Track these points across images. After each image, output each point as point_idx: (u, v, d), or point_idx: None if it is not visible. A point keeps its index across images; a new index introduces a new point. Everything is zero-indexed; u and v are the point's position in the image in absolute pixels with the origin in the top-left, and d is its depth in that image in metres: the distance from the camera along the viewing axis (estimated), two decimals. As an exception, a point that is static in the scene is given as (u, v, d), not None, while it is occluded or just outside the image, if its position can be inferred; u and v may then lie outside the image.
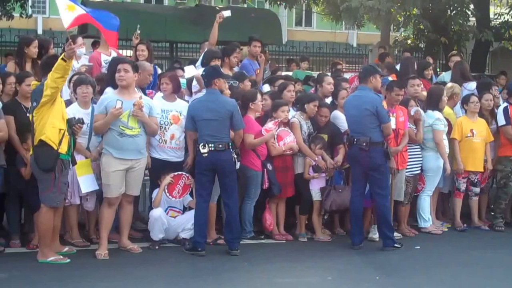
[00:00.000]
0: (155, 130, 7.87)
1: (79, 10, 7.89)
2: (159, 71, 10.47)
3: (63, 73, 7.05)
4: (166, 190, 8.16)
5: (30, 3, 21.23)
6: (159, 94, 8.57)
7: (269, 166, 8.54)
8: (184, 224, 8.16)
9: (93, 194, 8.11)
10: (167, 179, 8.16)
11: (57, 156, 7.13)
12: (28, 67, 8.90)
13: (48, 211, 7.27)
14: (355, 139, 8.36)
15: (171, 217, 8.20)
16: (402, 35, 21.39)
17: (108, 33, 8.78)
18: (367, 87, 8.44)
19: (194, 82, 8.79)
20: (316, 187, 8.84)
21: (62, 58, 6.99)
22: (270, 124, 8.56)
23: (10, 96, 8.23)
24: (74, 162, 7.55)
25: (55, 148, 7.12)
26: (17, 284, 6.73)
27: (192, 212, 8.03)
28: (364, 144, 8.25)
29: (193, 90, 8.86)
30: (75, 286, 6.74)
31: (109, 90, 8.17)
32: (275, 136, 8.61)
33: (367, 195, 8.63)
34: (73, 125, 7.39)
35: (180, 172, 8.23)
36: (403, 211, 9.37)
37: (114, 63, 8.10)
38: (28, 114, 7.62)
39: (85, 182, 7.92)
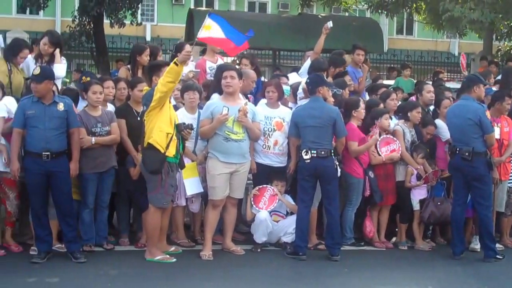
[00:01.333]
0: (258, 135, 8.07)
1: (215, 32, 8.23)
2: (262, 78, 10.65)
3: (174, 77, 7.27)
4: (253, 202, 8.32)
5: (140, 11, 21.91)
6: (263, 101, 8.74)
7: (371, 174, 8.58)
8: (286, 228, 8.29)
9: (198, 196, 8.37)
10: (252, 191, 8.36)
11: (163, 159, 7.35)
12: (140, 73, 9.19)
13: (156, 212, 7.54)
14: (458, 149, 8.29)
15: (274, 221, 8.37)
16: (506, 45, 20.89)
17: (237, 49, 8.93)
18: (471, 96, 8.36)
19: (300, 90, 8.93)
20: (417, 196, 8.82)
21: (174, 62, 7.26)
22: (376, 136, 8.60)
23: (122, 101, 8.59)
24: (182, 166, 7.78)
25: (162, 151, 7.33)
26: (126, 280, 7.01)
27: (294, 217, 8.16)
28: (467, 154, 8.17)
29: (298, 97, 9.00)
30: (182, 285, 6.97)
31: (215, 96, 8.42)
32: (378, 143, 8.65)
33: (469, 205, 8.54)
34: (182, 130, 7.61)
35: (265, 185, 8.36)
36: (505, 223, 9.23)
37: (220, 70, 8.34)
38: (138, 118, 7.97)
39: (191, 185, 8.18)
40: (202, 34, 8.22)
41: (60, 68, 8.56)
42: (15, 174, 7.38)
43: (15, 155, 7.34)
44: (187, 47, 9.80)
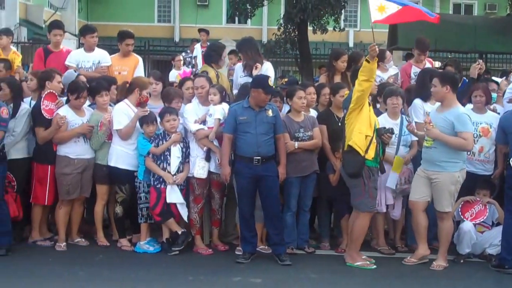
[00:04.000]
0: (456, 145, 7.44)
1: (391, 9, 7.72)
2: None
3: (368, 75, 7.25)
4: (460, 209, 8.01)
5: (343, 17, 22.05)
6: (469, 106, 8.42)
7: None
8: (492, 240, 7.90)
9: (399, 203, 8.24)
10: (466, 197, 8.01)
11: (363, 162, 7.33)
12: (337, 79, 9.20)
13: (365, 217, 7.51)
14: None
15: (479, 232, 8.03)
16: None
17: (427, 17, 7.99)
18: None
19: (507, 94, 8.51)
20: None
21: (366, 60, 7.22)
22: None
23: (324, 106, 8.66)
24: (383, 170, 7.71)
25: (362, 154, 7.32)
26: (326, 285, 7.10)
27: (500, 227, 7.78)
28: None
29: (504, 101, 8.59)
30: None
31: (417, 102, 8.28)
32: None
33: None
34: (382, 134, 7.54)
35: (478, 199, 8.01)
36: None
37: (422, 75, 8.14)
38: (339, 124, 8.00)
39: (392, 179, 8.04)
40: (376, 16, 7.74)
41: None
42: (226, 178, 7.69)
43: (226, 160, 7.64)
44: (388, 54, 9.78)
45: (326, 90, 8.66)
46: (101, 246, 8.13)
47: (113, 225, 8.38)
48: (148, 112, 7.95)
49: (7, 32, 9.91)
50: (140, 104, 7.98)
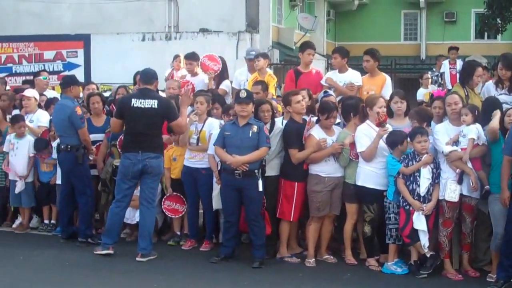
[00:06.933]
0: None
1: None
2: None
3: None
4: None
5: None
6: None
7: None
8: None
9: None
10: None
11: None
12: None
13: None
14: None
15: None
16: None
17: None
18: None
19: None
20: None
21: None
22: None
23: None
24: None
25: None
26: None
27: None
28: None
29: None
30: None
31: None
32: None
33: None
34: None
35: None
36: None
37: None
38: None
39: None
40: None
41: None
42: (505, 202, 7.32)
43: (505, 183, 7.31)
44: None
45: None
46: (349, 264, 8.22)
47: (361, 243, 8.44)
48: (389, 130, 7.95)
49: (264, 55, 10.53)
50: (380, 123, 7.98)
